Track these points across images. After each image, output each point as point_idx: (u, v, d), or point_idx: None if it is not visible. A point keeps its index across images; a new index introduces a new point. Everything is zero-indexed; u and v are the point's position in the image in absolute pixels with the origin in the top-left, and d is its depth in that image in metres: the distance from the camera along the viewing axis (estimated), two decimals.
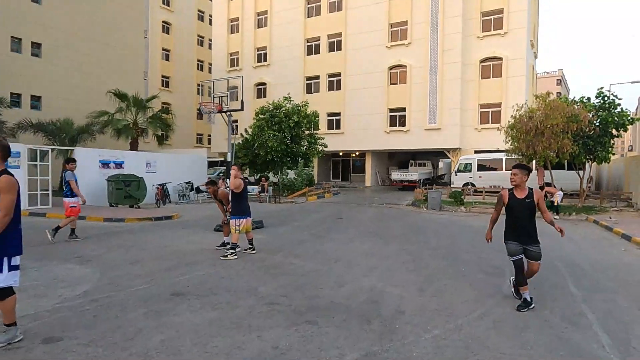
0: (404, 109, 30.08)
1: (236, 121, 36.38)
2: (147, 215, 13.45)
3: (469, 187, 21.73)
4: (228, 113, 11.32)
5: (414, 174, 29.07)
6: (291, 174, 23.58)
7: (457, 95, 27.92)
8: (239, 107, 11.64)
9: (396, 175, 29.76)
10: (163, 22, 42.57)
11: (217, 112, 11.36)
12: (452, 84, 28.01)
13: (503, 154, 20.26)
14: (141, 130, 24.52)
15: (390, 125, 30.68)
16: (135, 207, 16.40)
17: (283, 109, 22.51)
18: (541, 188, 16.17)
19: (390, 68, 30.49)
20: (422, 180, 28.61)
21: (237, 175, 7.51)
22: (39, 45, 24.97)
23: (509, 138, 16.94)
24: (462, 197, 18.38)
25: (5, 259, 3.57)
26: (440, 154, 31.30)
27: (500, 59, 27.18)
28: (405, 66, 29.82)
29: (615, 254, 8.35)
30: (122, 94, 23.44)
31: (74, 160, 9.39)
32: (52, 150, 20.16)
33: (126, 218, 12.61)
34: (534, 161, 18.43)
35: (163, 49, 42.72)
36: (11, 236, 3.60)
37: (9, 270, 3.59)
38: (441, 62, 28.28)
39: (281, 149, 21.69)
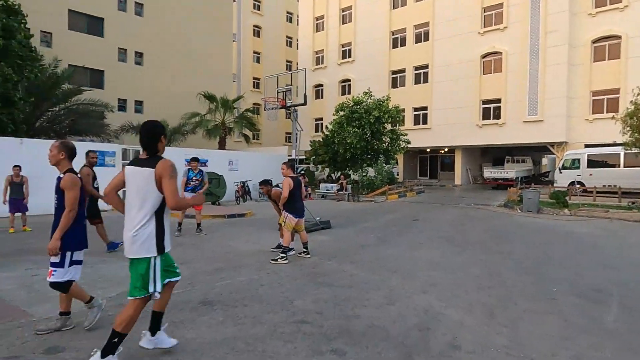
0: (498, 100, 27.36)
1: (320, 119, 36.57)
2: (221, 212, 13.69)
3: (577, 186, 18.87)
4: (293, 109, 10.90)
5: (510, 171, 26.30)
6: (371, 172, 22.70)
7: (562, 82, 24.58)
8: (302, 102, 11.15)
9: (489, 172, 27.21)
10: (254, 26, 44.31)
11: (281, 108, 11.00)
12: (556, 70, 24.71)
13: (620, 147, 17.19)
14: (228, 129, 25.57)
15: (483, 119, 28.15)
16: (216, 204, 16.95)
17: (363, 104, 21.76)
18: None
19: (483, 56, 27.94)
20: (519, 179, 25.76)
21: (287, 174, 7.00)
22: (141, 54, 27.36)
23: (628, 128, 14.20)
24: (567, 197, 15.95)
25: (68, 254, 3.75)
26: (543, 149, 27.94)
27: (619, 37, 23.26)
28: (501, 53, 27.08)
29: None
30: (211, 95, 24.67)
31: (196, 160, 9.87)
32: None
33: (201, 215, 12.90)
34: None
35: (254, 52, 44.50)
36: (74, 231, 3.78)
37: (70, 265, 3.78)
38: (543, 46, 25.12)
39: (361, 146, 20.99)
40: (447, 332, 4.03)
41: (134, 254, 3.19)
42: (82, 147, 15.07)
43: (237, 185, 18.47)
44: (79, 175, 3.96)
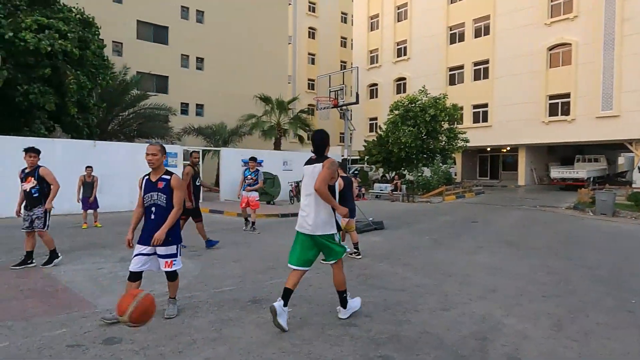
0: (567, 95, 25.52)
1: (375, 118, 36.15)
2: (276, 211, 13.91)
3: None
4: (345, 108, 10.80)
5: (580, 170, 24.39)
6: (427, 172, 22.04)
7: None
8: (355, 101, 11.02)
9: (557, 172, 25.42)
10: (309, 27, 44.76)
11: (333, 107, 10.93)
12: (635, 60, 22.63)
13: None
14: (283, 130, 25.98)
15: (550, 115, 26.39)
16: (271, 203, 17.25)
17: (419, 102, 21.19)
18: None
19: (550, 48, 26.20)
20: (592, 179, 23.82)
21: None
22: (201, 59, 28.56)
23: None
24: None
25: (179, 246, 4.33)
26: (619, 146, 25.66)
27: None
28: (570, 44, 25.24)
29: None
30: (267, 97, 25.20)
31: (254, 159, 10.12)
32: (208, 151, 22.81)
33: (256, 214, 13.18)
34: None
35: (309, 54, 44.95)
36: (177, 226, 4.33)
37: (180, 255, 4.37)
38: (619, 35, 23.07)
39: (416, 145, 20.46)
40: (508, 343, 3.73)
41: (322, 231, 4.05)
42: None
43: (292, 185, 18.67)
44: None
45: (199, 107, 28.72)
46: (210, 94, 28.51)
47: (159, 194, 4.16)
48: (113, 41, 24.77)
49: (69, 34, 14.21)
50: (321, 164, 4.00)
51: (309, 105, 37.02)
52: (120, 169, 14.27)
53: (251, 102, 25.77)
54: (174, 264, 4.26)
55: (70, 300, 4.80)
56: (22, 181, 6.19)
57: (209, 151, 22.95)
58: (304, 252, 4.11)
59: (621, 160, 27.63)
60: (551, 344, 3.72)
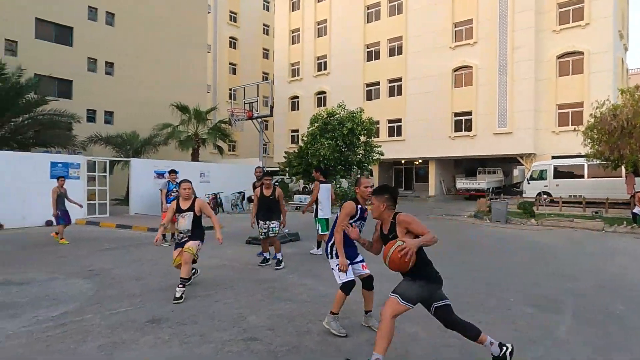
0: (470, 113, 28.00)
1: (297, 130, 36.58)
2: None
3: (544, 197, 19.35)
4: (260, 120, 10.81)
5: (481, 182, 26.80)
6: (345, 183, 22.73)
7: (529, 96, 25.37)
8: (269, 113, 11.08)
9: (462, 183, 27.65)
10: (230, 37, 44.25)
11: (247, 119, 10.89)
12: (523, 84, 25.51)
13: (584, 159, 17.75)
14: (202, 140, 25.20)
15: (455, 131, 28.71)
16: None
17: (337, 116, 21.86)
18: (632, 197, 13.92)
19: (455, 70, 28.61)
20: (491, 189, 26.26)
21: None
22: (111, 64, 26.82)
23: (589, 140, 14.68)
24: (534, 208, 16.30)
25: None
26: (514, 160, 28.62)
27: (582, 53, 24.22)
28: (471, 67, 27.80)
29: None
30: (184, 106, 24.28)
31: (175, 172, 10.11)
32: (117, 162, 21.37)
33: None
34: (622, 167, 15.87)
35: (230, 63, 44.36)
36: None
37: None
38: (511, 61, 25.91)
39: (334, 157, 21.00)
40: (398, 344, 3.96)
41: None
42: (47, 158, 14.63)
43: (209, 197, 18.17)
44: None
45: (108, 114, 26.87)
46: (121, 101, 26.82)
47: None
48: (6, 39, 22.39)
49: None
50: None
51: (229, 115, 36.36)
52: (7, 180, 12.94)
53: (167, 110, 24.67)
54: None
55: None
56: None
57: (118, 162, 21.54)
58: None
59: (516, 172, 30.87)
60: (437, 343, 4.03)
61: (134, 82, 27.38)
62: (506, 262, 8.11)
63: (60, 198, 9.96)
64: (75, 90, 25.11)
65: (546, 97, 25.36)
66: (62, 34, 24.81)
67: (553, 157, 23.77)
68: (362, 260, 4.50)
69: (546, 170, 21.56)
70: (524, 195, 21.87)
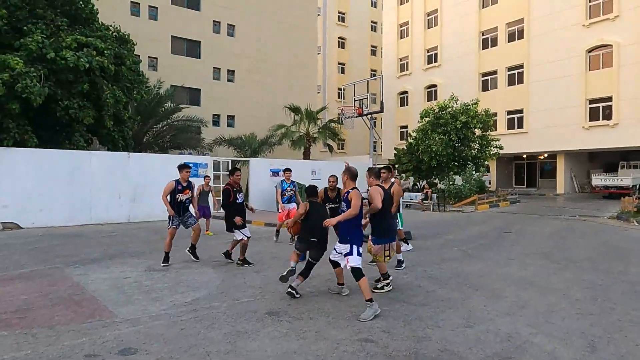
0: (609, 99, 24.33)
1: (405, 126, 35.71)
2: None
3: None
4: (370, 116, 10.67)
5: (625, 178, 23.09)
6: (459, 180, 21.46)
7: None
8: (379, 109, 10.87)
9: (599, 180, 24.17)
10: (339, 37, 45.07)
11: (357, 116, 10.82)
12: None
13: None
14: (313, 139, 26.07)
15: (590, 120, 25.21)
16: None
17: (449, 109, 20.75)
18: None
19: (589, 50, 25.12)
20: (638, 187, 22.47)
21: (371, 183, 5.72)
22: (232, 72, 29.22)
23: None
24: None
25: (355, 247, 4.83)
26: None
27: None
28: (611, 45, 24.11)
29: None
30: (296, 107, 25.39)
31: (289, 170, 9.89)
32: (239, 161, 23.15)
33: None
34: None
35: (339, 63, 45.21)
36: (358, 232, 4.96)
37: (358, 255, 4.85)
38: None
39: (447, 153, 19.98)
40: None
41: None
42: (180, 159, 16.39)
43: None
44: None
45: (230, 118, 29.31)
46: (241, 105, 29.08)
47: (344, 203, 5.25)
48: (148, 56, 25.73)
49: (105, 51, 14.85)
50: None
51: (338, 114, 37.01)
52: (153, 179, 14.71)
53: (281, 112, 26.05)
54: (350, 261, 4.97)
55: (94, 308, 4.91)
56: (178, 193, 7.15)
57: (238, 161, 23.29)
58: None
59: None
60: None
61: (251, 87, 29.45)
62: None
63: (202, 195, 10.90)
64: (202, 98, 27.90)
65: None
66: (192, 48, 27.76)
67: None
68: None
69: None
70: None
